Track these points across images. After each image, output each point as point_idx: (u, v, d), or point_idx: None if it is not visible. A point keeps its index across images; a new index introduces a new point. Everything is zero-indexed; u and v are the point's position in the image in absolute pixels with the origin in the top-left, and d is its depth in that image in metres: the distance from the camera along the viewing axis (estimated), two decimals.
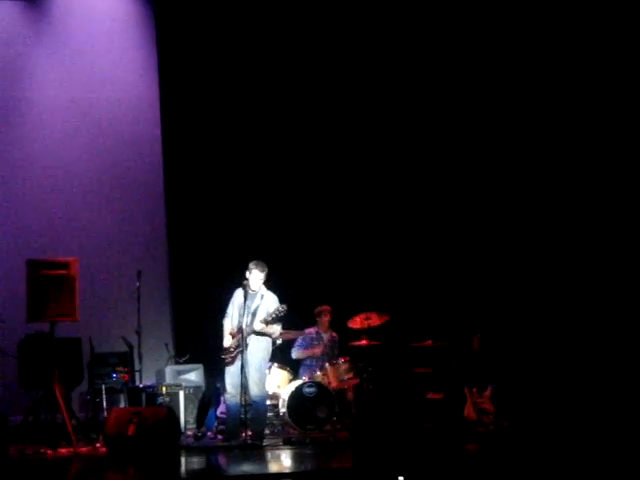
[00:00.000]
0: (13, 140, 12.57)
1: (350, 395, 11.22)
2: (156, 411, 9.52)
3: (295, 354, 11.56)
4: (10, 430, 9.50)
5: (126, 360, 11.15)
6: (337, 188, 13.07)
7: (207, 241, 12.74)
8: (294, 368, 11.44)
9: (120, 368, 11.06)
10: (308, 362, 11.53)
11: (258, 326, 9.70)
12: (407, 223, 13.01)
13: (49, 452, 9.32)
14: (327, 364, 11.26)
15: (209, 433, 10.65)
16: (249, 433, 9.60)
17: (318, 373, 11.22)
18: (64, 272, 9.85)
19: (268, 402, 10.58)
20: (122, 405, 11.03)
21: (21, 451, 9.26)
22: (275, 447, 9.78)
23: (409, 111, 13.08)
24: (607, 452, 8.31)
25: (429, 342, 11.43)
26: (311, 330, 11.66)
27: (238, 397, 9.71)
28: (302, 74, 13.03)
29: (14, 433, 9.76)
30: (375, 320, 11.34)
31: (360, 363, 11.25)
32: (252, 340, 9.76)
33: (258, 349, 9.82)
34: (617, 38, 11.96)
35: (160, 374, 11.63)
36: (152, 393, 10.78)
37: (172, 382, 11.23)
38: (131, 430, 9.03)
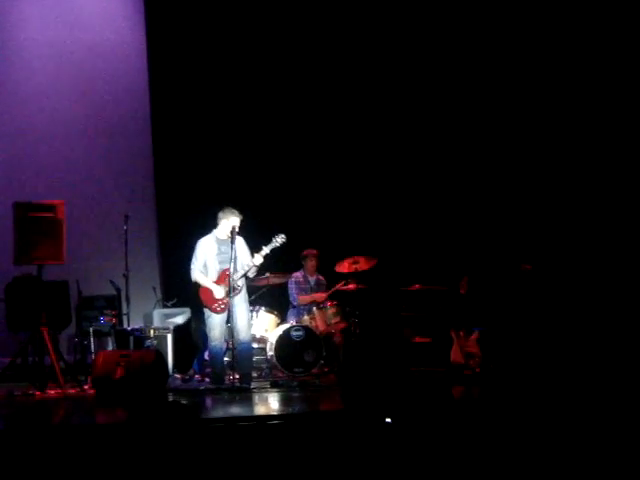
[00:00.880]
0: None
1: (337, 339, 11.26)
2: (144, 354, 9.54)
3: (297, 300, 11.55)
4: None
5: (114, 303, 11.17)
6: (325, 130, 13.02)
7: (195, 185, 12.69)
8: (281, 312, 11.47)
9: (108, 311, 11.07)
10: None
11: (258, 260, 9.71)
12: (395, 165, 13.00)
13: (37, 393, 9.36)
14: (314, 308, 11.30)
15: (196, 376, 10.71)
16: (237, 376, 9.65)
17: (305, 317, 11.26)
18: (51, 215, 9.80)
19: (255, 345, 10.62)
20: (110, 348, 11.06)
21: (9, 392, 9.30)
22: (262, 390, 9.83)
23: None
24: (590, 394, 8.37)
25: (417, 286, 11.46)
26: (298, 274, 11.66)
27: (223, 341, 9.78)
28: (293, 26, 12.94)
29: (2, 375, 9.80)
30: (363, 264, 11.35)
31: (348, 307, 11.29)
32: (240, 283, 9.78)
33: (243, 292, 9.85)
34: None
35: (148, 317, 11.63)
36: (140, 336, 10.78)
37: (160, 325, 11.25)
38: (119, 373, 9.04)
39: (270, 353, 10.75)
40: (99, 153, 12.72)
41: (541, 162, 12.34)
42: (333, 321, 11.27)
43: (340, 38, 12.94)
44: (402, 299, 11.67)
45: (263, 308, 11.07)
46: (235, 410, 8.49)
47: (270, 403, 9.19)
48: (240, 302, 9.77)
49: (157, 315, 11.54)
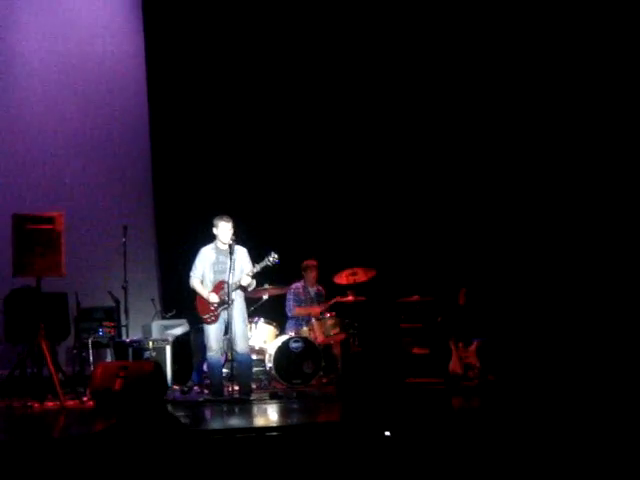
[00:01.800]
0: None
1: (336, 350, 11.26)
2: (143, 366, 9.53)
3: (292, 311, 11.56)
4: None
5: (112, 315, 11.14)
6: (325, 141, 13.04)
7: (194, 196, 12.70)
8: (280, 323, 11.47)
9: (107, 323, 11.05)
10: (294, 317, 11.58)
11: (246, 280, 9.67)
12: (393, 177, 13.01)
13: (36, 405, 9.35)
14: (313, 319, 11.30)
15: (196, 387, 10.70)
16: (236, 388, 9.64)
17: (304, 328, 11.27)
18: (50, 227, 9.79)
19: (254, 357, 10.61)
20: (109, 359, 11.05)
21: (8, 405, 9.29)
22: (261, 401, 9.81)
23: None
24: (591, 402, 8.37)
25: (416, 297, 11.48)
26: (298, 285, 11.67)
27: (220, 353, 9.77)
28: (291, 36, 12.97)
29: (0, 387, 9.78)
30: (361, 276, 11.37)
31: (346, 319, 11.29)
32: (236, 295, 9.76)
33: (240, 303, 9.83)
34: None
35: (146, 329, 11.63)
36: (139, 348, 10.78)
37: (158, 337, 11.25)
38: (118, 384, 9.04)
39: (269, 364, 10.75)
40: (97, 164, 12.71)
41: (538, 174, 12.33)
42: (332, 332, 11.27)
43: (338, 50, 12.97)
44: (401, 310, 11.68)
45: (262, 319, 11.08)
46: (234, 422, 8.48)
47: (269, 414, 9.18)
48: (237, 314, 9.72)
49: (156, 327, 11.54)
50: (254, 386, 10.43)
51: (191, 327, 11.42)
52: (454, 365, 10.85)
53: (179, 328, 11.59)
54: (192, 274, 9.94)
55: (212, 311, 9.77)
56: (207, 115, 12.88)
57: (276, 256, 9.67)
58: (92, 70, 12.81)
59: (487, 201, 12.58)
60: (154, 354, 10.68)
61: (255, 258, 9.84)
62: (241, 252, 9.89)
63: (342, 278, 11.43)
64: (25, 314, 10.02)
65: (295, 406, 9.54)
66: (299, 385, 10.54)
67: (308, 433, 7.50)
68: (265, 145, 12.95)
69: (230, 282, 9.61)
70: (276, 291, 11.34)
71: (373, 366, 9.84)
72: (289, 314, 11.59)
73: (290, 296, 11.59)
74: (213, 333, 9.78)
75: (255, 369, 10.75)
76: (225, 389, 9.81)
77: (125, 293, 10.86)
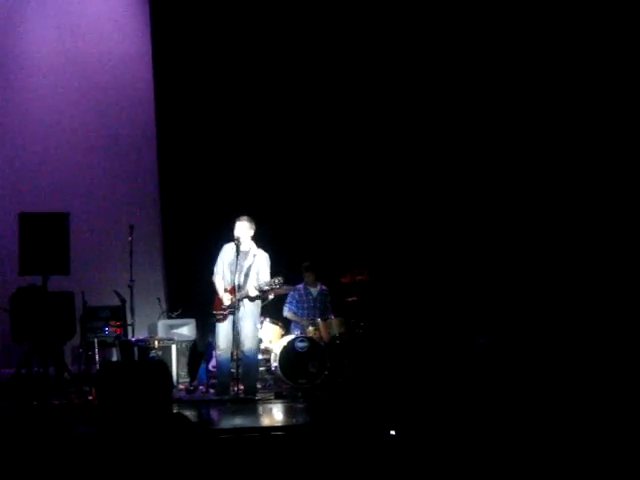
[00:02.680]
0: (3, 93, 12.48)
1: (342, 350, 11.25)
2: (148, 365, 9.53)
3: (286, 313, 11.60)
4: (2, 383, 9.51)
5: (118, 314, 11.14)
6: (329, 142, 13.02)
7: (199, 196, 12.70)
8: (286, 323, 11.49)
9: (112, 322, 11.06)
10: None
11: (253, 292, 9.69)
12: (394, 177, 13.00)
13: (42, 404, 9.35)
14: (319, 319, 11.30)
15: (201, 387, 10.71)
16: (241, 387, 9.65)
17: (310, 328, 11.27)
18: (56, 225, 9.82)
19: (260, 357, 10.61)
20: (114, 359, 11.06)
21: (14, 403, 9.29)
22: (267, 401, 9.83)
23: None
24: (591, 406, 8.38)
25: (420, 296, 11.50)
26: (299, 287, 11.71)
27: (229, 352, 9.75)
28: (298, 39, 12.98)
29: (6, 386, 9.79)
30: (367, 276, 11.36)
31: (352, 318, 11.29)
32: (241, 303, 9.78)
33: (250, 304, 9.82)
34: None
35: (152, 328, 11.65)
36: (144, 347, 10.80)
37: (164, 336, 11.27)
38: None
39: (274, 364, 10.75)
40: (104, 164, 12.73)
41: (536, 178, 12.33)
42: (337, 332, 11.27)
43: (340, 55, 12.98)
44: (406, 310, 11.70)
45: (268, 319, 11.08)
46: (239, 421, 8.49)
47: (274, 414, 9.19)
48: (246, 315, 9.73)
49: (162, 326, 11.57)
50: (259, 386, 10.44)
51: (197, 326, 11.44)
52: None
53: (185, 327, 11.61)
54: (215, 269, 10.00)
55: (222, 310, 9.80)
56: (214, 116, 12.87)
57: (281, 280, 9.69)
58: (100, 70, 12.82)
59: (487, 201, 12.57)
60: (160, 353, 10.70)
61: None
62: (260, 257, 9.90)
63: (348, 278, 11.42)
64: (31, 313, 10.01)
65: (300, 406, 9.55)
66: (304, 385, 10.54)
67: (313, 433, 7.51)
68: (273, 146, 12.92)
69: (238, 283, 9.62)
70: (282, 291, 11.33)
71: (379, 365, 9.86)
72: (284, 314, 11.63)
73: (288, 298, 11.64)
74: (222, 332, 9.80)
75: (260, 369, 10.75)
76: (230, 388, 9.81)
77: (131, 292, 10.86)
